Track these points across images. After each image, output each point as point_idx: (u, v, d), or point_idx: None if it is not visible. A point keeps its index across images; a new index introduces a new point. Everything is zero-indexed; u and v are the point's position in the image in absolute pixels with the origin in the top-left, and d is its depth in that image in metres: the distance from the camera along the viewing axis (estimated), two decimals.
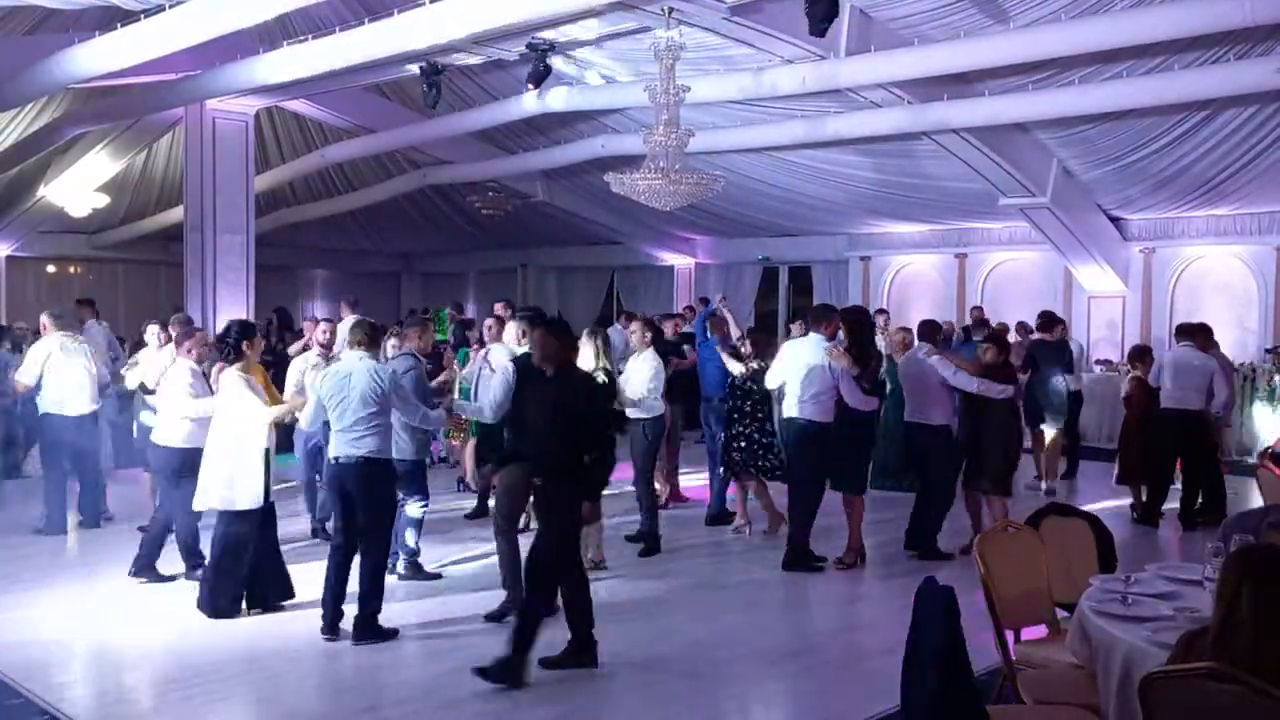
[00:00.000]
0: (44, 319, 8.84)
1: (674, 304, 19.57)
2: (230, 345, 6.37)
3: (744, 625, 6.34)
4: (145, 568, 7.00)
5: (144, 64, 11.33)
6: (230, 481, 6.18)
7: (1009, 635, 4.54)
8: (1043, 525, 4.81)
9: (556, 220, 19.51)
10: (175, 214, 17.55)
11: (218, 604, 6.19)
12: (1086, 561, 4.70)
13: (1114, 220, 14.24)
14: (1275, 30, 9.13)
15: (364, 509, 5.93)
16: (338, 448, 5.90)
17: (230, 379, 6.26)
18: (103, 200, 17.78)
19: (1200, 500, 9.03)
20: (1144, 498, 9.22)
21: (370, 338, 6.11)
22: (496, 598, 6.40)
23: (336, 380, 5.95)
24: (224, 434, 6.22)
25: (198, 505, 6.42)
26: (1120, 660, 3.40)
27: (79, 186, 17.27)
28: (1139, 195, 13.36)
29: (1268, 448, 9.55)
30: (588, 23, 10.87)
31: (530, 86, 11.97)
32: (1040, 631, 4.64)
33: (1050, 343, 10.80)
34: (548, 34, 11.15)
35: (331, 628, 5.87)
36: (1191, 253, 14.17)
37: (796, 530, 7.52)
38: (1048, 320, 11.07)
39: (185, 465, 6.69)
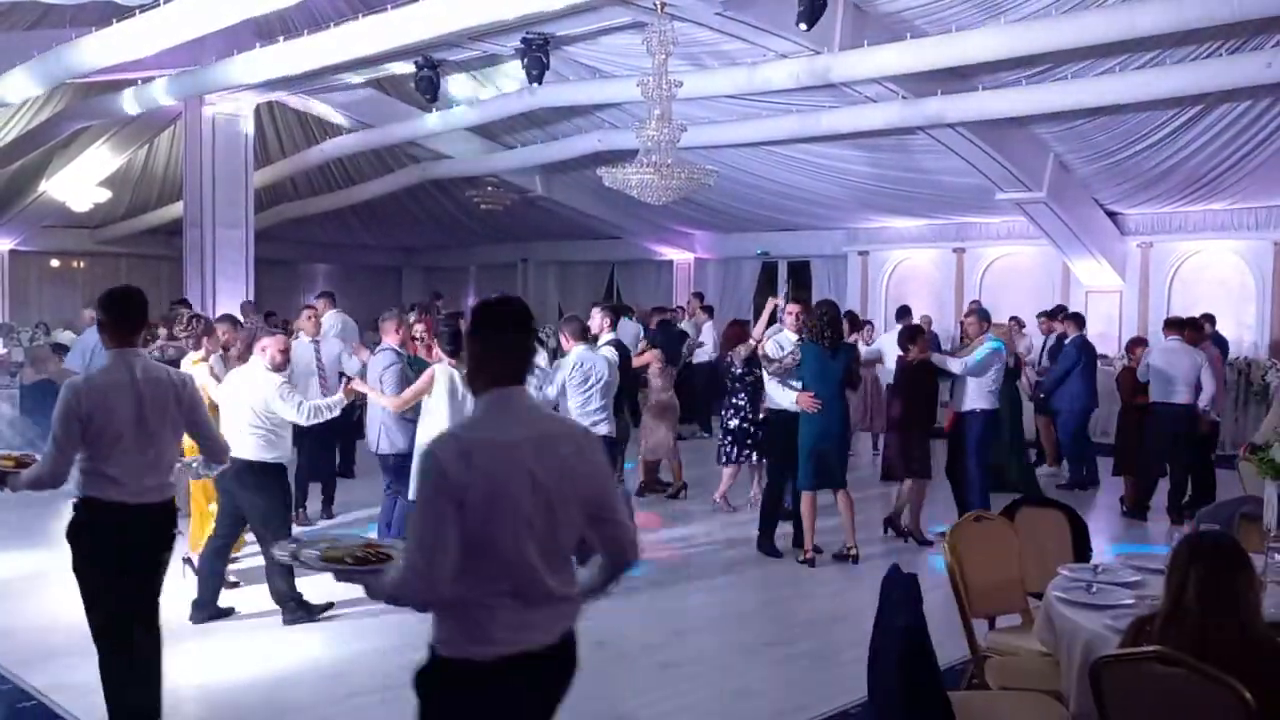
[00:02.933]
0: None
1: (673, 298, 19.64)
2: (450, 339, 6.53)
3: (725, 614, 6.40)
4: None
5: (142, 59, 11.43)
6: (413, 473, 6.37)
7: (985, 623, 4.61)
8: (1017, 515, 4.85)
9: (555, 215, 19.56)
10: (177, 209, 17.63)
11: None
12: (1061, 551, 4.72)
13: (1111, 215, 14.27)
14: (1266, 25, 9.16)
15: None
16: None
17: (442, 373, 6.46)
18: (104, 195, 17.88)
19: (1190, 493, 9.07)
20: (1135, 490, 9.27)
21: (585, 331, 7.14)
22: None
23: (583, 369, 6.81)
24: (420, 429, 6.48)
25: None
26: (1081, 646, 3.45)
27: (80, 181, 17.38)
28: (1135, 190, 13.38)
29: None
30: (583, 17, 10.92)
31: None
32: (1014, 620, 4.68)
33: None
34: (543, 29, 11.20)
35: None
36: (1188, 247, 14.19)
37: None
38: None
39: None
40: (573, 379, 6.83)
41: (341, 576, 2.73)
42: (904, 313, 11.91)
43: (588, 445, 2.73)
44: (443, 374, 6.41)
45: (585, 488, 2.66)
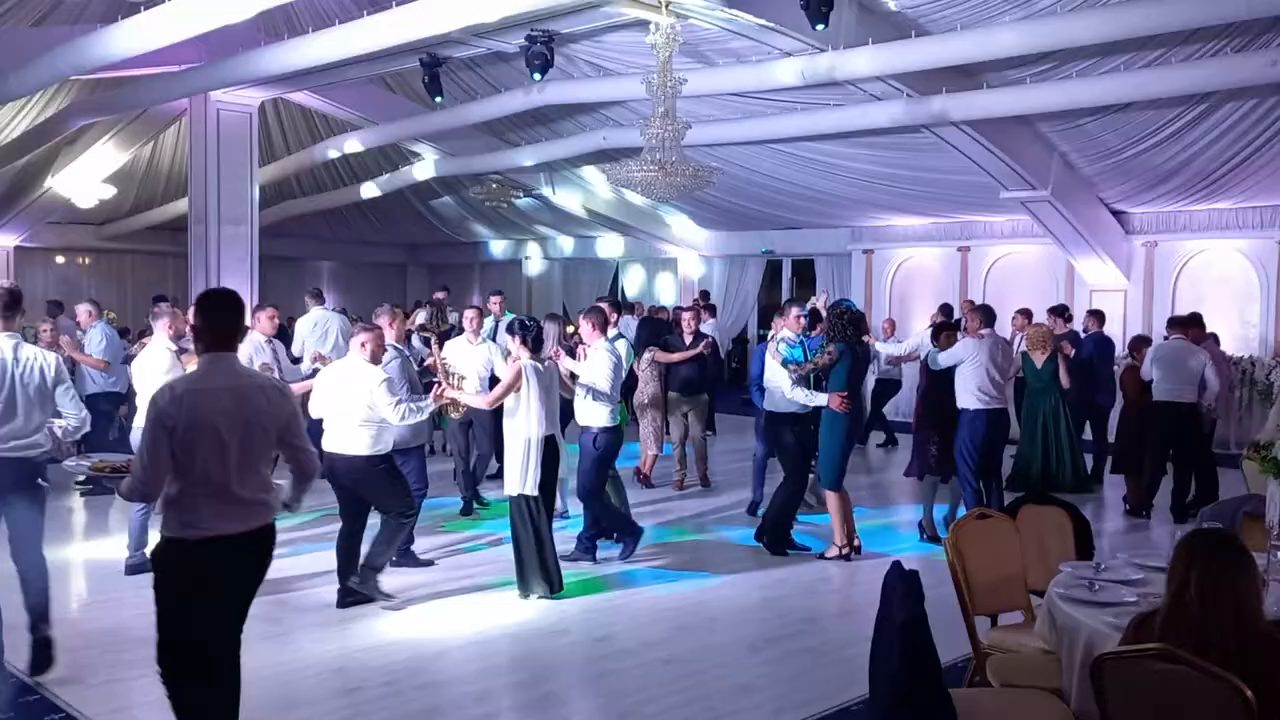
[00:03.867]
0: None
1: (676, 295, 19.62)
2: (532, 338, 6.54)
3: (727, 610, 6.41)
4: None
5: (148, 55, 11.44)
6: (508, 468, 6.50)
7: (987, 620, 4.61)
8: (1020, 513, 4.86)
9: (560, 212, 19.55)
10: (182, 205, 17.63)
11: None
12: (1064, 549, 4.74)
13: (1116, 214, 14.23)
14: (1273, 23, 9.13)
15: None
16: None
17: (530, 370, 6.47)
18: (109, 191, 17.88)
19: (1193, 492, 9.05)
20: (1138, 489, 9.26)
21: (606, 322, 7.40)
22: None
23: (613, 360, 7.07)
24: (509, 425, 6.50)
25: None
26: (1082, 644, 3.46)
27: (86, 178, 17.39)
28: (1140, 189, 13.34)
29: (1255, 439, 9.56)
30: (587, 14, 10.91)
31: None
32: (1016, 617, 4.68)
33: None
34: (547, 25, 11.19)
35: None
36: (1193, 246, 14.13)
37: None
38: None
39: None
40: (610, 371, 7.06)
41: (107, 480, 4.81)
42: (946, 311, 11.90)
43: (276, 394, 3.83)
44: (530, 371, 6.40)
45: (274, 423, 3.76)
